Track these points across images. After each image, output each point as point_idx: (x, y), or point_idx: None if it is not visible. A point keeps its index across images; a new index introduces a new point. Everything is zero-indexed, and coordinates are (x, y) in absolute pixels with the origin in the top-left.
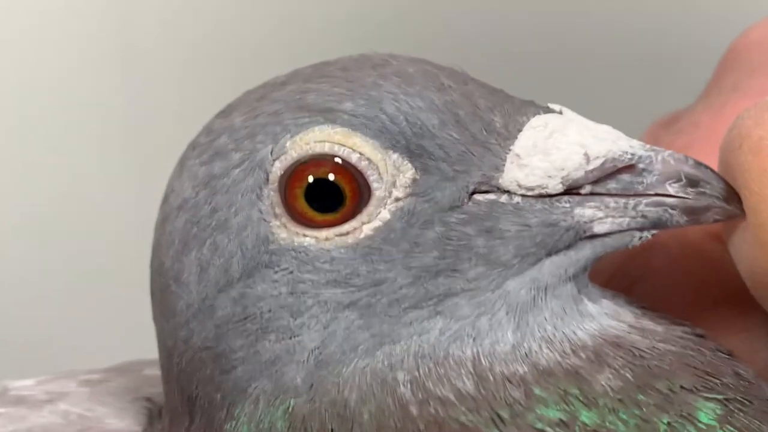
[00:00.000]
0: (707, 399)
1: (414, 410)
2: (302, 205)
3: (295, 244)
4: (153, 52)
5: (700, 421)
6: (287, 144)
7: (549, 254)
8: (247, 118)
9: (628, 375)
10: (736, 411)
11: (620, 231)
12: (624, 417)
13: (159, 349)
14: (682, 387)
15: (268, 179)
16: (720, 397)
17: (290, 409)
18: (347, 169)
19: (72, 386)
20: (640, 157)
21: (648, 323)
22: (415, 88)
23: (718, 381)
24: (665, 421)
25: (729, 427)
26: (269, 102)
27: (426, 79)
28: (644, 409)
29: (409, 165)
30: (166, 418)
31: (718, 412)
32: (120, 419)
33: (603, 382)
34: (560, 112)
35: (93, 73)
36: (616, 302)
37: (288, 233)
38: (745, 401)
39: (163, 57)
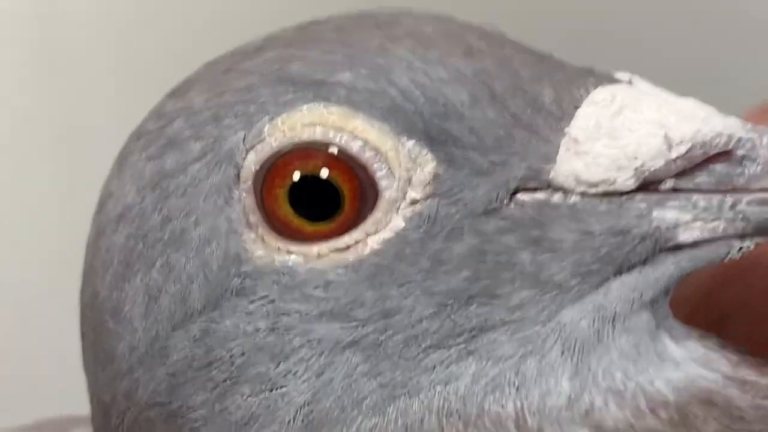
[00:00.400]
0: None
1: None
2: (285, 210)
3: (277, 263)
4: (79, 50)
5: None
6: (264, 129)
7: (618, 272)
8: (210, 96)
9: None
10: None
11: (714, 239)
12: None
13: (91, 405)
14: None
15: (239, 177)
16: None
17: None
18: (346, 163)
19: None
20: (739, 140)
21: (748, 373)
22: (436, 53)
23: None
24: None
25: None
26: (239, 74)
27: (449, 41)
28: None
29: (430, 156)
30: None
31: None
32: None
33: None
34: (630, 82)
35: (19, 75)
36: (706, 344)
37: (266, 249)
38: None
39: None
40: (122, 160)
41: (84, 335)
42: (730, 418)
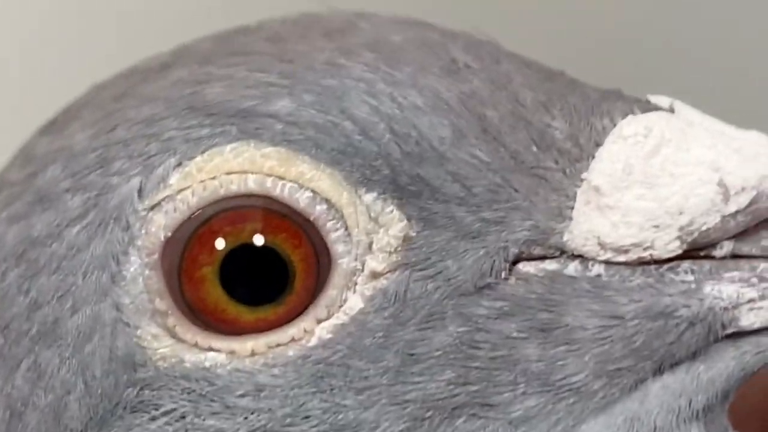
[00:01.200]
0: None
1: None
2: (216, 296)
3: (188, 365)
4: None
5: None
6: (170, 175)
7: (659, 371)
8: (96, 131)
9: None
10: None
11: None
12: None
13: None
14: None
15: (132, 243)
16: None
17: None
18: (293, 221)
19: None
20: None
21: None
22: (406, 72)
23: None
24: None
25: None
26: (137, 101)
27: (425, 54)
28: None
29: (397, 213)
30: None
31: None
32: None
33: None
34: (671, 109)
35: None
36: None
37: (175, 346)
38: None
39: None
40: None
41: None
42: None
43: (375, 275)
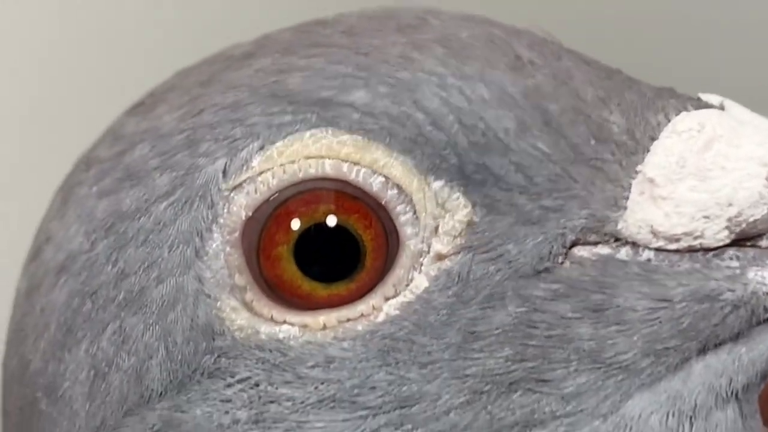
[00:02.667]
0: None
1: None
2: (291, 273)
3: (263, 336)
4: None
5: None
6: (253, 158)
7: (702, 351)
8: (183, 114)
9: None
10: None
11: None
12: None
13: None
14: None
15: (216, 221)
16: None
17: None
18: (365, 204)
19: None
20: None
21: None
22: (474, 67)
23: None
24: None
25: None
26: (223, 86)
27: (491, 50)
28: None
29: (463, 199)
30: None
31: None
32: None
33: None
34: (722, 107)
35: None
36: None
37: (251, 319)
38: None
39: None
40: (66, 194)
41: (7, 414)
42: None
43: (440, 257)
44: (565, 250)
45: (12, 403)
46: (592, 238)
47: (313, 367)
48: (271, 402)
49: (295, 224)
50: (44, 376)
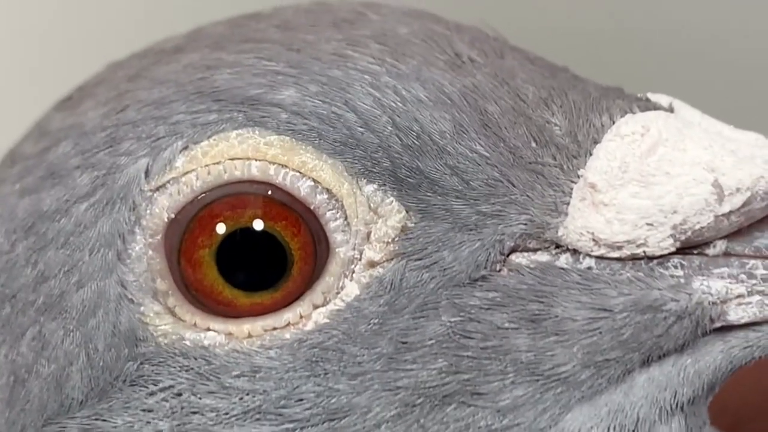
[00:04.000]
0: None
1: None
2: (212, 278)
3: (188, 342)
4: None
5: None
6: (177, 158)
7: (645, 363)
8: (108, 110)
9: None
10: None
11: None
12: None
13: None
14: None
15: (138, 223)
16: None
17: None
18: (292, 209)
19: None
20: None
21: None
22: (411, 65)
23: None
24: None
25: None
26: (149, 82)
27: (430, 47)
28: None
29: (396, 204)
30: None
31: None
32: None
33: None
34: (670, 109)
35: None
36: None
37: (175, 324)
38: None
39: None
40: None
41: None
42: None
43: (372, 264)
44: (503, 258)
45: None
46: (532, 244)
47: (238, 376)
48: (194, 413)
49: (220, 228)
50: None
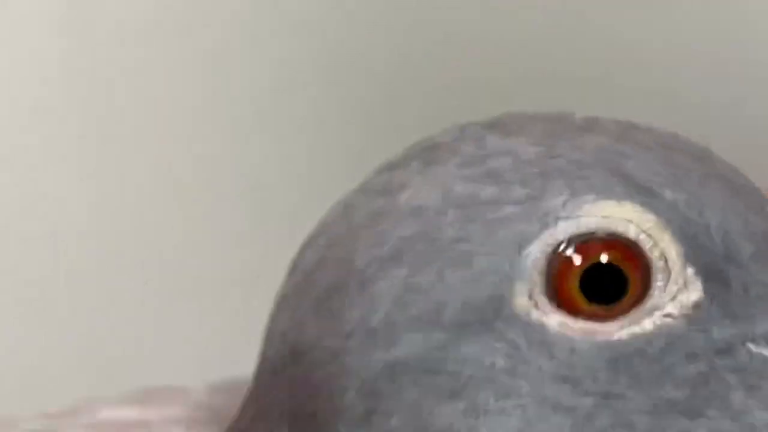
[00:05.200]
0: None
1: None
2: (572, 289)
3: (533, 318)
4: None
5: None
6: (584, 206)
7: None
8: (542, 151)
9: None
10: None
11: None
12: None
13: (268, 352)
14: None
15: (540, 236)
16: None
17: None
18: (640, 261)
19: None
20: None
21: None
22: (741, 205)
23: None
24: None
25: None
26: (570, 146)
27: (751, 196)
28: None
29: (700, 286)
30: None
31: None
32: None
33: None
34: None
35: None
36: None
37: (530, 303)
38: None
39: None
40: (427, 160)
41: (309, 285)
42: None
43: (667, 316)
44: (743, 343)
45: (324, 276)
46: (763, 343)
47: (561, 351)
48: (525, 364)
49: (592, 257)
50: (365, 273)
